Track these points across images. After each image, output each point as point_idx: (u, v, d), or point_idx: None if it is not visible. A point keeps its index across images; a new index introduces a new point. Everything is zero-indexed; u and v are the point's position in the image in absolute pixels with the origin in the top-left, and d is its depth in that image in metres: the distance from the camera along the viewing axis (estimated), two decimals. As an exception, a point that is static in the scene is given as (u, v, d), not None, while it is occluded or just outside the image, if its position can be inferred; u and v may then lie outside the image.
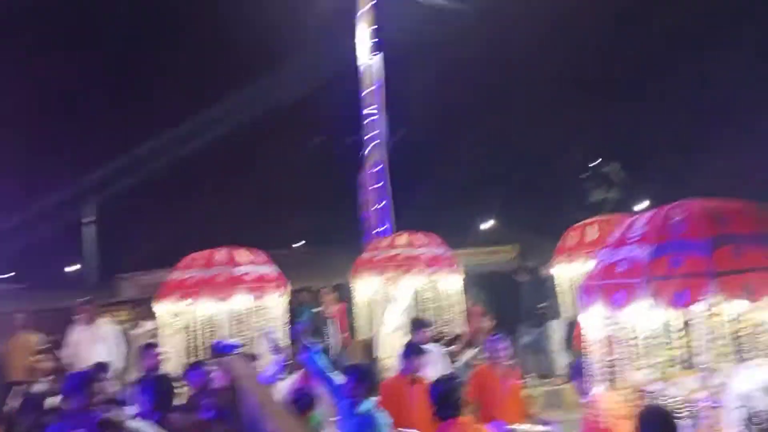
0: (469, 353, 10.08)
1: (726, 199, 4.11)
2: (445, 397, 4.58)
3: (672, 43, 20.40)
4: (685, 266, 3.76)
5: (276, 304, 7.01)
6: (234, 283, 6.70)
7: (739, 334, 4.44)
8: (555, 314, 10.12)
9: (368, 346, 10.10)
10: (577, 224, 9.04)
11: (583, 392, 5.06)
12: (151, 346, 6.88)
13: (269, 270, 7.10)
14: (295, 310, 11.05)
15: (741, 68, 19.44)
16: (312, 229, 24.36)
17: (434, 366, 7.19)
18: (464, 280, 8.82)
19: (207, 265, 6.85)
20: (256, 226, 20.35)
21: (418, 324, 7.43)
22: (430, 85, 19.55)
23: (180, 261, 7.21)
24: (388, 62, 12.26)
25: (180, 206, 22.18)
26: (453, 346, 10.42)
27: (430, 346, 7.35)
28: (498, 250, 21.35)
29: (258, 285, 6.79)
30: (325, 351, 9.73)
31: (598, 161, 27.09)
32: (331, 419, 5.73)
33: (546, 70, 21.88)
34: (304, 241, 26.11)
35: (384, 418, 5.01)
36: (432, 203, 21.00)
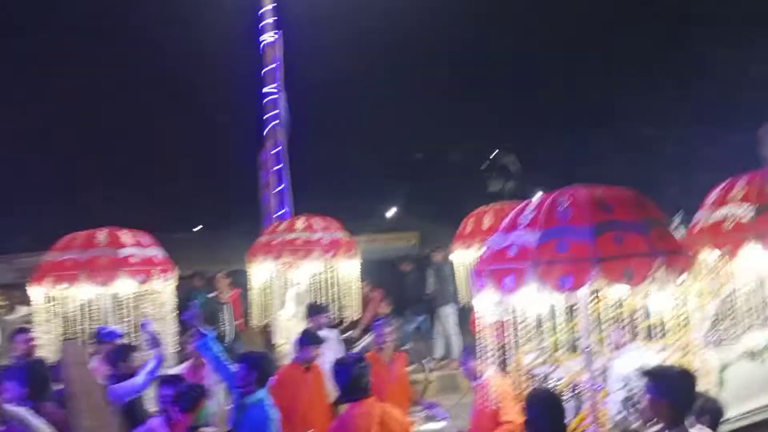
0: (366, 339, 10.08)
1: (610, 187, 4.25)
2: (354, 380, 4.42)
3: (565, 40, 21.21)
4: (570, 251, 3.85)
5: (163, 289, 6.64)
6: (116, 266, 6.27)
7: (621, 318, 4.65)
8: (451, 299, 10.31)
9: (265, 333, 9.89)
10: (474, 212, 9.20)
11: (473, 376, 5.15)
12: (23, 332, 6.38)
13: (156, 252, 6.70)
14: (187, 296, 10.65)
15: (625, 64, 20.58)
16: (212, 212, 23.62)
17: (331, 352, 7.11)
18: (366, 266, 8.75)
19: (86, 246, 6.36)
20: (152, 208, 19.51)
21: (315, 309, 7.30)
22: (333, 71, 19.37)
23: (57, 242, 6.68)
24: (289, 43, 11.99)
25: (66, 186, 20.85)
26: (351, 332, 10.42)
27: (327, 332, 7.26)
28: (399, 236, 21.61)
29: (143, 268, 6.39)
30: (220, 338, 9.47)
31: (496, 152, 28.00)
32: (226, 408, 5.51)
33: (446, 62, 22.26)
34: (202, 225, 25.28)
35: (274, 411, 4.84)
36: (334, 189, 20.88)
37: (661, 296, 4.14)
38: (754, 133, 10.89)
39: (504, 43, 21.09)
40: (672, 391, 3.29)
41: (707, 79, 18.90)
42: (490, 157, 27.73)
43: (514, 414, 4.70)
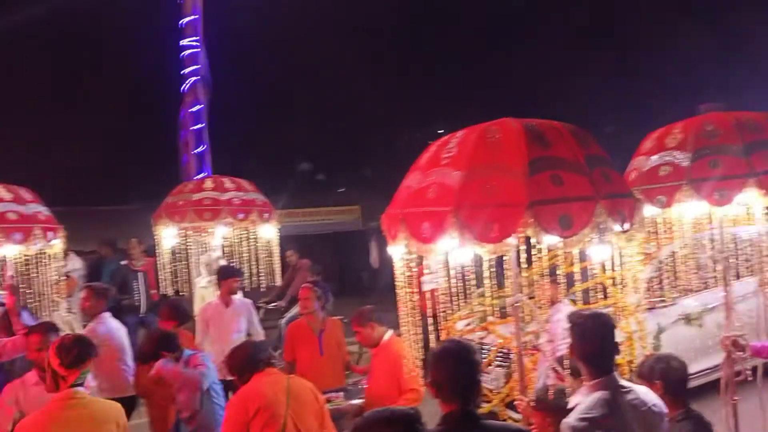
0: (295, 309, 9.46)
1: (545, 120, 3.64)
2: (251, 356, 4.12)
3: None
4: (495, 197, 3.23)
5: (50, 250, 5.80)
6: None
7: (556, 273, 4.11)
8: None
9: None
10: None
11: (370, 342, 4.96)
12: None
13: (39, 210, 5.78)
14: (96, 265, 9.75)
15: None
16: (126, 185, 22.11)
17: (243, 320, 6.54)
18: (307, 239, 8.06)
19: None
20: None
21: (226, 272, 6.63)
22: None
23: None
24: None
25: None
26: (278, 302, 9.74)
27: (239, 299, 6.65)
28: (343, 210, 21.21)
29: (24, 226, 5.48)
30: (133, 309, 8.66)
31: (440, 132, 27.76)
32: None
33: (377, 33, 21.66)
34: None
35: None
36: (266, 159, 20.06)
37: (599, 249, 3.60)
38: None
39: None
40: (593, 334, 2.81)
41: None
42: (438, 136, 27.45)
43: (417, 381, 4.23)
